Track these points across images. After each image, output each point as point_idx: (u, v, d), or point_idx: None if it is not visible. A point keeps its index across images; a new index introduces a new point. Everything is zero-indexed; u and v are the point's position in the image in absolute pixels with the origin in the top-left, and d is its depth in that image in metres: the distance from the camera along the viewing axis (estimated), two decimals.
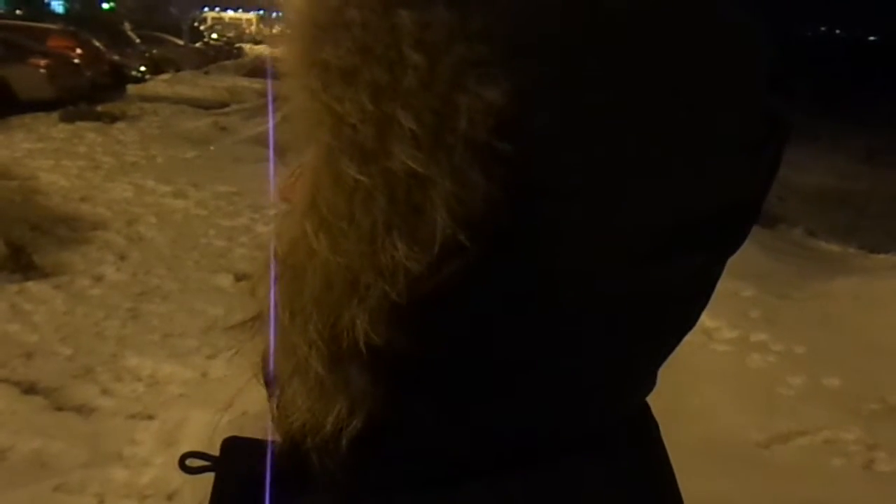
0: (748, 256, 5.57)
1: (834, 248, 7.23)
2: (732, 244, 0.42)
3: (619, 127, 0.36)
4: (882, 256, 6.57)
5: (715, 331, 4.32)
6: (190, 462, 0.64)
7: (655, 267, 0.38)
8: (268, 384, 0.45)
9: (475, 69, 0.34)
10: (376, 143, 0.34)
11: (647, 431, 0.50)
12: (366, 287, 0.37)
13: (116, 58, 17.95)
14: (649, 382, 0.46)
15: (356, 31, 0.35)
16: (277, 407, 0.42)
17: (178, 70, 21.07)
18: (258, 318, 0.43)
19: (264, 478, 0.54)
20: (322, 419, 0.40)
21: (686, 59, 0.37)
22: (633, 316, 0.40)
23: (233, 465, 0.61)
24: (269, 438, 0.57)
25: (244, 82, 18.78)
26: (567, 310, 0.38)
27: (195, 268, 5.47)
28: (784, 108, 0.40)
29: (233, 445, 0.62)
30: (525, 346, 0.39)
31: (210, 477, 0.64)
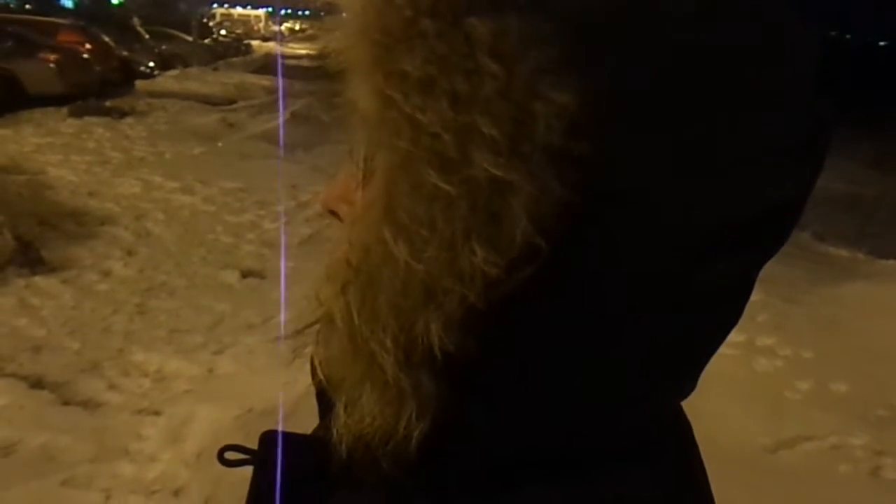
0: None
1: (842, 253, 7.20)
2: (776, 245, 0.43)
3: (680, 129, 0.36)
4: (891, 262, 6.54)
5: None
6: (229, 455, 0.64)
7: (706, 268, 0.39)
8: (330, 387, 0.45)
9: (548, 75, 0.34)
10: (458, 151, 0.35)
11: (684, 433, 0.52)
12: (444, 293, 0.37)
13: (125, 53, 17.99)
14: (692, 384, 0.47)
15: (432, 42, 0.35)
16: (344, 410, 0.43)
17: (186, 66, 21.08)
18: (323, 324, 0.43)
19: (306, 472, 0.55)
20: (394, 423, 0.41)
21: (740, 61, 0.37)
22: (686, 317, 0.41)
23: (272, 459, 0.61)
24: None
25: (252, 79, 18.79)
26: (631, 313, 0.39)
27: (202, 264, 5.47)
28: (828, 109, 0.40)
29: (271, 439, 0.63)
30: (589, 349, 0.40)
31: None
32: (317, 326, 0.44)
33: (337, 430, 0.43)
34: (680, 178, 0.37)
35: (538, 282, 0.37)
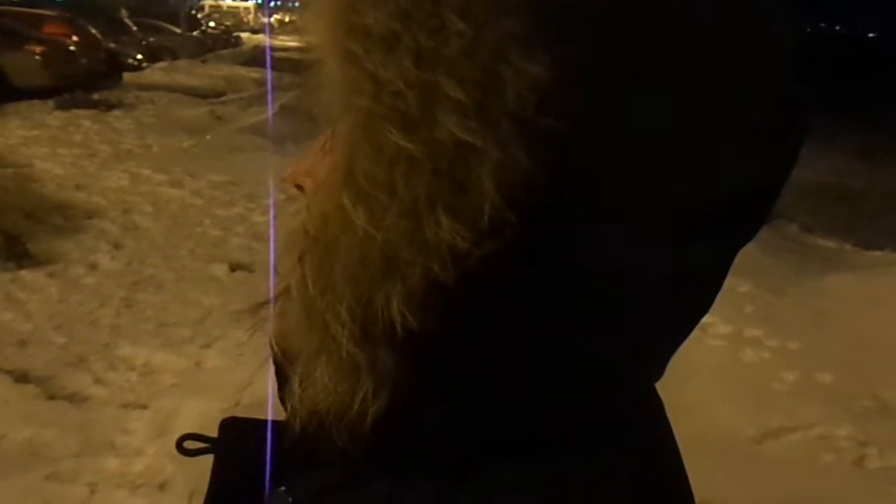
0: (744, 252, 5.46)
1: (830, 244, 7.24)
2: (750, 229, 0.43)
3: (655, 108, 0.36)
4: (877, 253, 6.58)
5: (709, 326, 4.32)
6: (188, 444, 0.63)
7: (679, 249, 0.39)
8: (283, 361, 0.44)
9: (518, 44, 0.34)
10: (421, 110, 0.34)
11: (655, 410, 0.51)
12: (406, 264, 0.36)
13: (113, 45, 17.83)
14: (660, 369, 0.47)
15: None
16: (299, 384, 0.41)
17: (174, 58, 20.95)
18: (280, 295, 0.42)
19: (266, 456, 0.54)
20: (349, 399, 0.39)
21: (717, 42, 0.37)
22: (655, 299, 0.40)
23: (232, 446, 0.61)
24: (270, 418, 0.56)
25: (242, 71, 18.71)
26: (599, 291, 0.39)
27: (190, 257, 5.45)
28: (805, 94, 0.40)
29: (231, 426, 0.62)
30: (555, 329, 0.39)
31: (203, 465, 0.64)
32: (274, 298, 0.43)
33: (291, 405, 0.42)
34: (651, 159, 0.36)
35: (504, 257, 0.36)
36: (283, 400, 0.44)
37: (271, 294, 0.43)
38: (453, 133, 0.33)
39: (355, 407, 0.39)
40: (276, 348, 0.44)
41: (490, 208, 0.34)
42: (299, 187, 0.47)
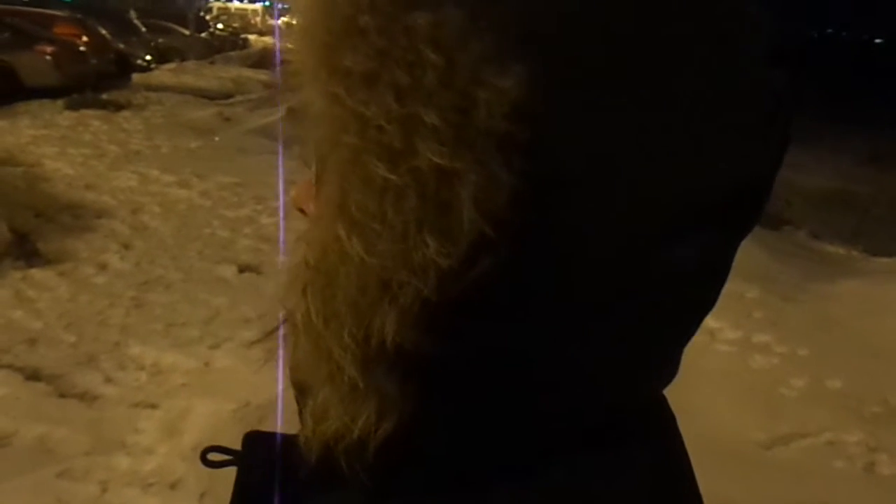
0: (752, 258, 5.57)
1: (838, 250, 7.22)
2: (746, 223, 0.42)
3: (629, 110, 0.36)
4: (885, 260, 6.55)
5: (718, 331, 4.32)
6: (212, 456, 0.64)
7: (671, 248, 0.39)
8: (299, 391, 0.45)
9: (491, 63, 0.34)
10: (402, 142, 0.35)
11: (665, 423, 0.50)
12: (398, 286, 0.37)
13: (122, 46, 17.89)
14: (670, 370, 0.46)
15: (372, 37, 0.36)
16: (311, 414, 0.42)
17: (183, 60, 21.00)
18: (288, 325, 0.43)
19: (289, 472, 0.54)
20: (359, 424, 0.40)
21: (690, 38, 0.37)
22: (652, 299, 0.40)
23: (256, 460, 0.61)
24: (280, 432, 0.57)
25: (249, 73, 18.75)
26: (590, 298, 0.39)
27: (198, 258, 5.47)
28: (785, 84, 0.40)
29: (255, 439, 0.62)
30: (551, 338, 0.39)
31: (215, 468, 0.64)
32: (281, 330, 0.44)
33: (305, 436, 0.43)
34: (633, 160, 0.36)
35: (493, 274, 0.36)
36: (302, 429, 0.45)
37: (281, 323, 0.43)
38: (431, 160, 0.34)
39: (355, 432, 0.40)
40: (291, 380, 0.45)
41: (470, 227, 0.35)
42: (302, 211, 0.49)
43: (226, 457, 0.63)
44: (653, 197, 0.37)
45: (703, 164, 0.38)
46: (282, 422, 0.60)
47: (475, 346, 0.39)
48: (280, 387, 0.50)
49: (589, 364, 0.41)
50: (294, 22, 0.40)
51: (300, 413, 0.47)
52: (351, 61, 0.36)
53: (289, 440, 0.57)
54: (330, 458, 0.42)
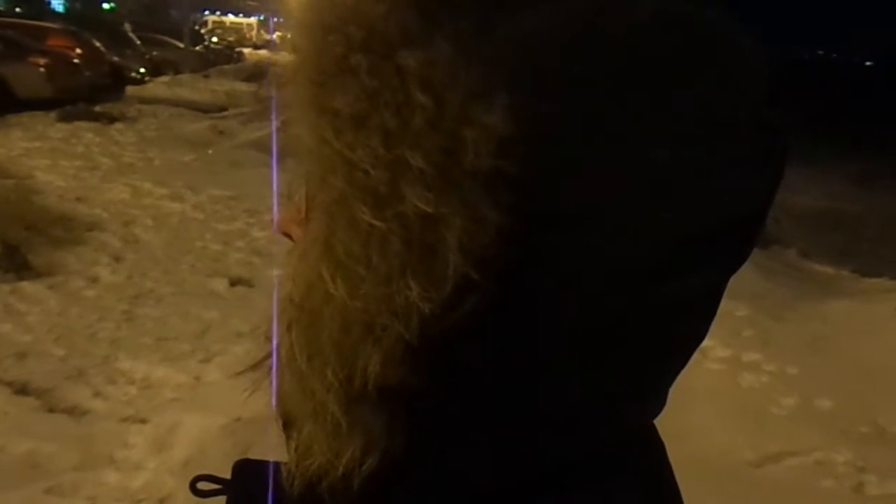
0: (742, 277, 5.49)
1: (828, 270, 7.25)
2: (738, 258, 0.42)
3: (620, 148, 0.36)
4: (875, 280, 6.58)
5: (708, 350, 4.32)
6: (201, 485, 0.64)
7: (664, 285, 0.38)
8: (285, 423, 0.46)
9: (479, 99, 0.34)
10: (388, 187, 0.35)
11: (654, 454, 0.50)
12: (381, 329, 0.37)
13: (116, 58, 17.91)
14: (659, 402, 0.46)
15: (363, 78, 0.35)
16: (295, 449, 0.42)
17: (177, 73, 21.05)
18: (274, 359, 0.43)
19: (279, 501, 0.54)
20: (342, 460, 0.40)
21: (684, 78, 0.37)
22: (643, 335, 0.40)
23: (245, 489, 0.61)
24: (270, 460, 0.57)
25: (244, 87, 18.77)
26: (579, 335, 0.39)
27: (190, 271, 5.45)
28: (781, 119, 0.40)
29: (245, 468, 0.62)
30: (537, 374, 0.39)
31: (204, 497, 0.64)
32: (269, 361, 0.44)
33: (288, 469, 0.43)
34: (628, 197, 0.36)
35: (480, 313, 0.36)
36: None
37: (268, 355, 0.44)
38: (416, 205, 0.34)
39: (339, 469, 0.40)
40: (277, 411, 0.46)
41: (455, 271, 0.35)
42: (288, 235, 0.49)
43: (215, 486, 0.63)
44: (645, 234, 0.37)
45: (698, 202, 0.38)
46: (270, 437, 0.60)
47: (461, 384, 0.39)
48: (272, 407, 0.50)
49: (577, 399, 0.41)
50: (287, 57, 0.39)
51: (287, 444, 0.47)
52: (340, 103, 0.35)
53: (279, 469, 0.58)
54: (307, 493, 0.42)
